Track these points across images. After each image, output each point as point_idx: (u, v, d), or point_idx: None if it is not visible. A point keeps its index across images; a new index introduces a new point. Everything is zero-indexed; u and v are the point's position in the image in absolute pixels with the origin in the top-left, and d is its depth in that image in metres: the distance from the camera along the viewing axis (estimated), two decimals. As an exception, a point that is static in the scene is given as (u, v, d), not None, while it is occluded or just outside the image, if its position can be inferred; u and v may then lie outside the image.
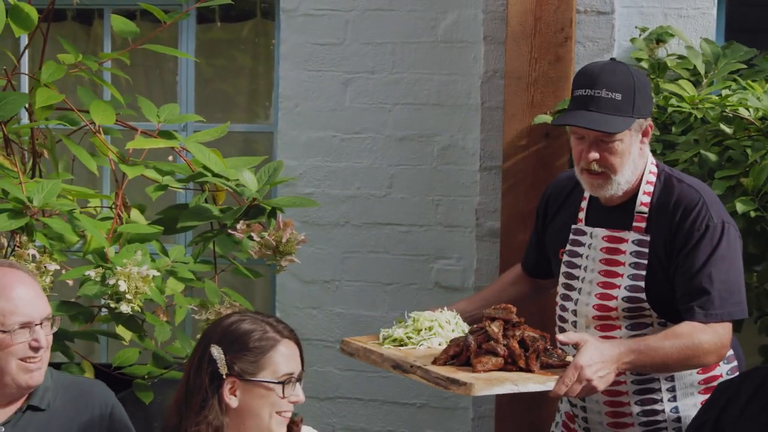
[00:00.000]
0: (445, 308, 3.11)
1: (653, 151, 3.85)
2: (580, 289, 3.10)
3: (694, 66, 4.07)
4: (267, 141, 5.15)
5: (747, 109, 3.57)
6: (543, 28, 4.13)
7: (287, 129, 4.92)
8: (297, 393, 2.56)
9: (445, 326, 2.96)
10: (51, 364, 2.84)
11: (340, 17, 4.83)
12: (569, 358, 2.80)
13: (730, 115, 3.64)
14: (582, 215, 3.15)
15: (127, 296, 2.81)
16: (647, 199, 3.01)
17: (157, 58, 5.42)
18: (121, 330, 3.48)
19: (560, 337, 2.78)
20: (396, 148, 4.78)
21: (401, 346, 2.93)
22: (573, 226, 3.15)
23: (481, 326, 2.83)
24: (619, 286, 2.98)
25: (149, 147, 3.37)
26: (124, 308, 2.83)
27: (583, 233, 3.12)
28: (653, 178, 3.03)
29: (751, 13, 4.62)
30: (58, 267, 2.94)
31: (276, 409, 2.52)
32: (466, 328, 3.01)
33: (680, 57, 4.18)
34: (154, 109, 3.55)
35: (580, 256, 3.11)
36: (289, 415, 2.56)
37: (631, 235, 2.99)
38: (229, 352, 2.52)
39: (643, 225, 2.99)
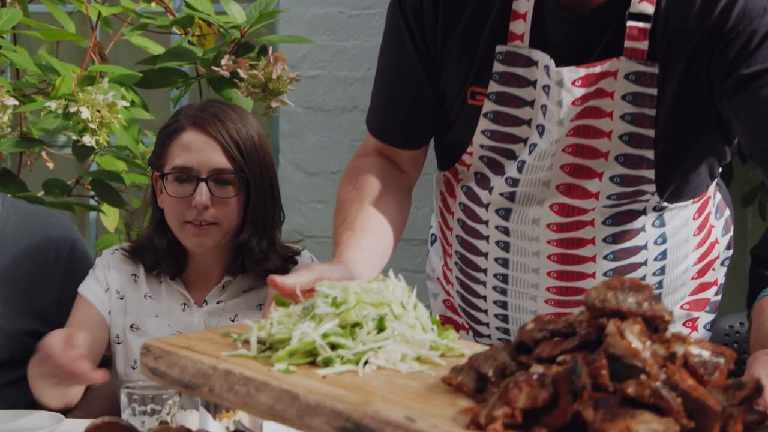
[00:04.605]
0: (344, 262, 1.60)
1: None
2: (526, 165, 1.75)
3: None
4: (269, 24, 4.76)
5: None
6: None
7: (290, 5, 4.40)
8: (198, 195, 2.04)
9: (404, 315, 1.30)
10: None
11: None
12: None
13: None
14: (521, 28, 1.70)
15: (91, 125, 2.44)
16: None
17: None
18: (105, 214, 3.19)
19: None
20: (409, 25, 4.39)
21: (313, 361, 1.22)
22: (500, 48, 1.71)
23: (582, 327, 1.12)
24: (605, 155, 1.71)
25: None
26: (87, 140, 2.40)
27: (527, 62, 1.70)
28: None
29: None
30: (16, 102, 2.61)
31: (182, 217, 2.07)
32: (423, 312, 1.34)
33: None
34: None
35: (526, 104, 1.72)
36: (201, 227, 2.05)
37: (624, 66, 1.65)
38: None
39: (644, 46, 1.65)
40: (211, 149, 2.07)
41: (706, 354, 1.10)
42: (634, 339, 1.07)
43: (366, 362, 1.20)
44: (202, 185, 2.05)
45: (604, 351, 1.06)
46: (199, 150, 2.07)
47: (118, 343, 2.16)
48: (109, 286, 2.16)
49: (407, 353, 1.24)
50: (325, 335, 1.22)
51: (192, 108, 2.13)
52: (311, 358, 1.21)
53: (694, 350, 1.10)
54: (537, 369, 1.06)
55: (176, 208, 2.07)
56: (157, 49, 2.91)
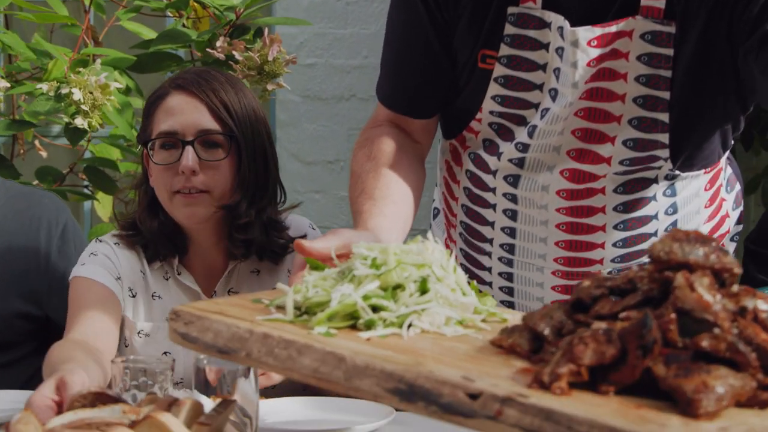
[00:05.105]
0: (369, 230, 1.53)
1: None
2: (537, 129, 1.69)
3: None
4: (266, 8, 4.69)
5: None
6: None
7: (286, -8, 4.28)
8: (184, 159, 1.91)
9: (445, 278, 1.22)
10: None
11: None
12: None
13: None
14: None
15: (83, 107, 2.35)
16: None
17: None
18: (99, 202, 3.12)
19: None
20: (407, 13, 4.31)
21: (353, 325, 1.14)
22: (512, 10, 1.64)
23: (643, 282, 1.05)
24: (618, 118, 1.64)
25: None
26: (79, 122, 2.33)
27: (539, 24, 1.64)
28: None
29: None
30: (7, 84, 2.54)
31: (171, 187, 1.95)
32: (462, 276, 1.25)
33: None
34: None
35: (538, 68, 1.66)
36: (191, 195, 1.93)
37: (639, 25, 1.59)
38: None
39: (660, 4, 1.58)
40: (196, 110, 1.95)
41: (772, 304, 1.03)
42: (705, 292, 1.01)
43: (410, 325, 1.14)
44: (189, 149, 1.93)
45: (672, 305, 1.00)
46: (183, 112, 1.95)
47: (126, 345, 2.05)
48: (120, 276, 2.03)
49: (451, 316, 1.18)
50: (366, 297, 1.15)
51: (177, 74, 2.05)
52: (351, 321, 1.14)
53: (763, 305, 1.03)
54: (601, 325, 0.99)
55: (164, 177, 1.95)
56: (150, 34, 2.84)
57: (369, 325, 1.12)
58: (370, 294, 1.15)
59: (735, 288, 1.04)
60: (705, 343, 0.96)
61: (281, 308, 1.16)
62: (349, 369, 1.03)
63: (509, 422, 0.91)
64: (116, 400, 1.32)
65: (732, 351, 0.96)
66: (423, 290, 1.17)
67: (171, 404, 1.26)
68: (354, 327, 1.13)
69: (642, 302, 1.03)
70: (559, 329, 1.05)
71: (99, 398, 1.31)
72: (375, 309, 1.14)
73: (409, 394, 0.98)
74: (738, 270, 1.05)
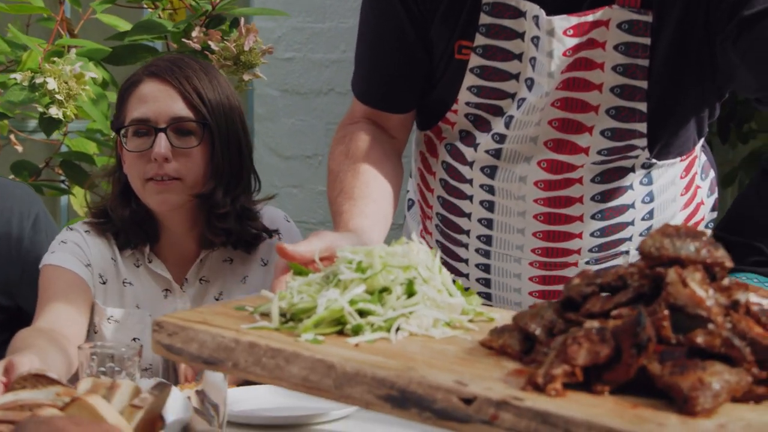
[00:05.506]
0: (352, 230, 1.50)
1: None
2: (514, 120, 1.65)
3: None
4: (243, 2, 4.63)
5: None
6: None
7: (264, -15, 4.21)
8: (156, 146, 1.88)
9: (431, 279, 1.19)
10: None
11: None
12: None
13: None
14: None
15: (58, 96, 2.30)
16: None
17: None
18: (75, 197, 3.06)
19: None
20: (386, 6, 4.25)
21: (340, 330, 1.11)
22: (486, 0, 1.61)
23: (633, 279, 1.02)
24: (595, 108, 1.61)
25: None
26: (54, 112, 2.28)
27: (515, 13, 1.60)
28: None
29: None
30: (-18, 81, 2.48)
31: (143, 174, 1.91)
32: (448, 277, 1.23)
33: None
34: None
35: (514, 57, 1.62)
36: (163, 182, 1.90)
37: (616, 14, 1.56)
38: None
39: None
40: (169, 98, 1.92)
41: (766, 302, 1.01)
42: (697, 287, 0.98)
43: (398, 329, 1.10)
44: (161, 136, 1.90)
45: (665, 301, 0.96)
46: (156, 99, 1.92)
47: (95, 332, 2.01)
48: (90, 263, 1.99)
49: (439, 318, 1.15)
50: (352, 302, 1.12)
51: (151, 61, 1.99)
52: (338, 327, 1.11)
53: (755, 298, 1.01)
54: (593, 324, 0.96)
55: (137, 165, 1.92)
56: (126, 26, 2.78)
57: (356, 331, 1.09)
58: (356, 298, 1.11)
59: (726, 281, 1.02)
60: (700, 339, 0.94)
61: (266, 315, 1.13)
62: (339, 376, 0.99)
63: (505, 426, 0.88)
64: (54, 382, 1.31)
65: (727, 346, 0.94)
66: (410, 293, 1.14)
67: (108, 388, 1.25)
68: (341, 332, 1.09)
69: (633, 299, 1.00)
70: (550, 329, 1.03)
71: (39, 380, 1.31)
72: (362, 313, 1.11)
73: (402, 400, 0.94)
74: (729, 264, 1.02)
